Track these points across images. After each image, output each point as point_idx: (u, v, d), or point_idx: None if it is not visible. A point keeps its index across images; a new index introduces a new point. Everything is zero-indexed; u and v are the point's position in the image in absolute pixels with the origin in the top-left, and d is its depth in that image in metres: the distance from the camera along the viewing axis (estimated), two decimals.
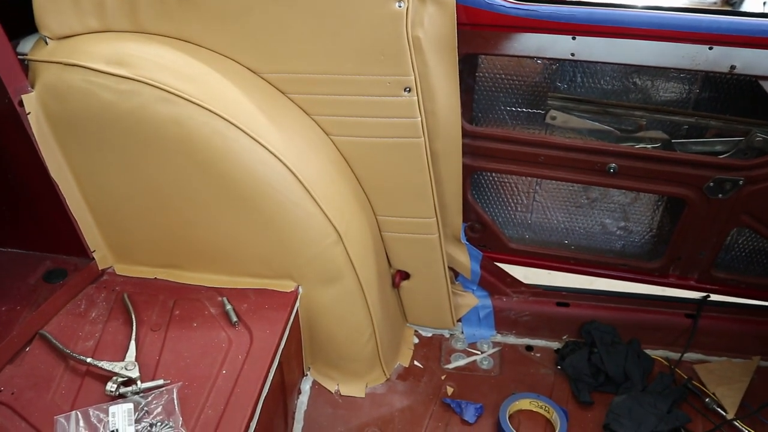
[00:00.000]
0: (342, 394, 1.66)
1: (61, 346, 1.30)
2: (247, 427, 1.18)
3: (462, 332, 1.90)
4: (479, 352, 1.83)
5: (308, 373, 1.69)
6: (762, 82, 1.37)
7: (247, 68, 1.40)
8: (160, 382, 1.25)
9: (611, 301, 1.88)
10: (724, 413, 1.64)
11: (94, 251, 1.52)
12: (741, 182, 1.51)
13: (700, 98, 1.54)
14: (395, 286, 1.76)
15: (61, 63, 1.29)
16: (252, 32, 1.35)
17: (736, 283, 1.75)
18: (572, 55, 1.42)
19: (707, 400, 1.67)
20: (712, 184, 1.53)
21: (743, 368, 1.77)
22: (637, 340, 1.81)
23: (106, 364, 1.26)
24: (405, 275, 1.75)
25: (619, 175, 1.57)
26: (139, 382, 1.24)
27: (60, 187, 1.40)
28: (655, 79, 1.54)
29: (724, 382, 1.72)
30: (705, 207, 1.58)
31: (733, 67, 1.35)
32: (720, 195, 1.54)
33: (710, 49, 1.34)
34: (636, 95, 1.57)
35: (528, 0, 1.39)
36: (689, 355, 1.82)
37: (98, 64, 1.27)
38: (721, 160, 1.50)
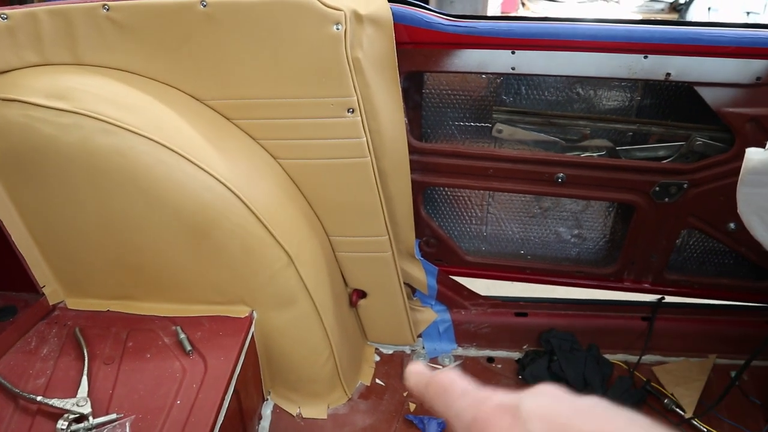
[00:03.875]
0: (304, 416, 1.65)
1: (9, 386, 1.28)
2: None
3: (423, 347, 1.90)
4: (441, 367, 1.83)
5: (268, 397, 1.67)
6: (697, 88, 1.40)
7: (191, 96, 1.40)
8: (113, 416, 1.23)
9: (569, 309, 1.90)
10: (682, 413, 1.66)
11: (44, 286, 1.50)
12: (685, 185, 1.54)
13: (642, 106, 1.58)
14: (352, 305, 1.76)
15: None
16: (193, 60, 1.34)
17: (689, 284, 1.79)
18: (513, 69, 1.44)
19: (666, 401, 1.69)
20: (658, 188, 1.56)
21: (700, 367, 1.80)
22: (596, 345, 1.83)
23: (57, 402, 1.24)
24: (362, 294, 1.75)
25: (567, 184, 1.60)
26: (90, 418, 1.22)
27: (4, 223, 1.38)
28: (597, 89, 1.58)
29: (682, 382, 1.75)
30: (653, 211, 1.61)
31: (668, 75, 1.39)
32: (666, 199, 1.58)
33: (645, 57, 1.38)
34: (580, 105, 1.60)
35: (466, 17, 1.42)
36: (648, 358, 1.85)
37: (37, 98, 1.26)
38: (664, 165, 1.54)
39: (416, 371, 0.51)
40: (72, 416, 1.21)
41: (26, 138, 1.28)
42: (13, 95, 1.27)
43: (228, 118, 1.42)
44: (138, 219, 1.36)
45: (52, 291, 1.52)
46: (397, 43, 1.38)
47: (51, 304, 1.52)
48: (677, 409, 1.67)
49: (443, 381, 0.48)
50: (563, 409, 0.42)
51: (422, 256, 1.79)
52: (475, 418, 0.44)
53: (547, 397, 0.44)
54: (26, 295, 1.51)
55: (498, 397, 0.45)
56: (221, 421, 1.27)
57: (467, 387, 0.47)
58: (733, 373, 1.73)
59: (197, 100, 1.40)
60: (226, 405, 1.30)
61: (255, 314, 1.49)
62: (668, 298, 1.85)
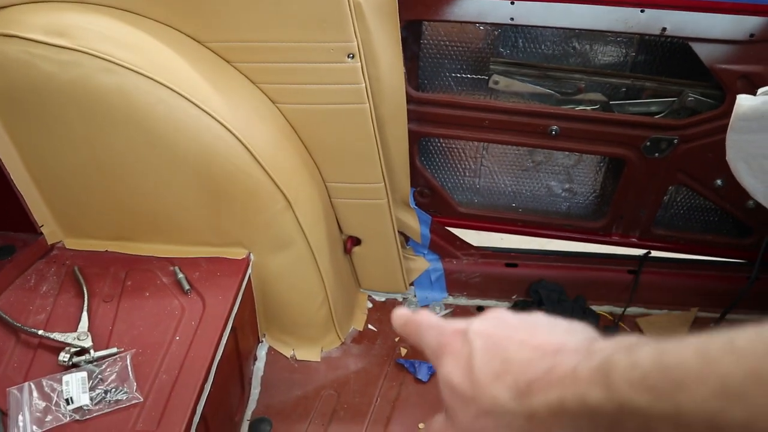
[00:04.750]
0: (298, 359, 1.69)
1: (11, 320, 1.30)
2: (201, 389, 1.21)
3: (415, 295, 1.94)
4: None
5: (263, 339, 1.71)
6: (692, 44, 1.42)
7: (191, 38, 1.40)
8: (114, 350, 1.26)
9: (558, 261, 1.94)
10: None
11: (42, 226, 1.51)
12: (675, 141, 1.57)
13: (637, 61, 1.59)
14: (347, 252, 1.79)
15: None
16: (193, 1, 1.34)
17: (675, 240, 1.83)
18: (512, 19, 1.45)
19: None
20: (648, 143, 1.59)
21: (682, 319, 1.86)
22: (583, 296, 1.88)
23: (58, 335, 1.27)
24: (356, 241, 1.78)
25: (560, 137, 1.62)
26: (92, 351, 1.25)
27: (3, 162, 1.38)
28: (593, 43, 1.59)
29: (665, 334, 1.80)
30: (643, 166, 1.64)
31: (664, 29, 1.41)
32: (656, 154, 1.60)
33: (642, 11, 1.39)
34: (575, 59, 1.61)
35: None
36: (632, 310, 1.90)
37: (37, 34, 1.25)
38: (656, 120, 1.56)
39: (399, 314, 0.60)
40: (73, 349, 1.24)
41: (25, 75, 1.28)
42: (12, 31, 1.26)
43: (228, 61, 1.42)
44: (137, 160, 1.38)
45: (51, 231, 1.54)
46: None
47: (49, 243, 1.54)
48: None
49: (416, 319, 0.57)
50: (502, 326, 0.50)
51: (416, 206, 1.81)
52: (438, 343, 0.53)
53: (492, 319, 0.52)
54: (24, 235, 1.52)
55: (454, 324, 0.53)
56: (219, 358, 1.31)
57: (434, 321, 0.56)
58: (712, 326, 1.79)
59: (197, 42, 1.40)
60: (224, 343, 1.34)
61: (252, 257, 1.51)
62: (654, 253, 1.89)
